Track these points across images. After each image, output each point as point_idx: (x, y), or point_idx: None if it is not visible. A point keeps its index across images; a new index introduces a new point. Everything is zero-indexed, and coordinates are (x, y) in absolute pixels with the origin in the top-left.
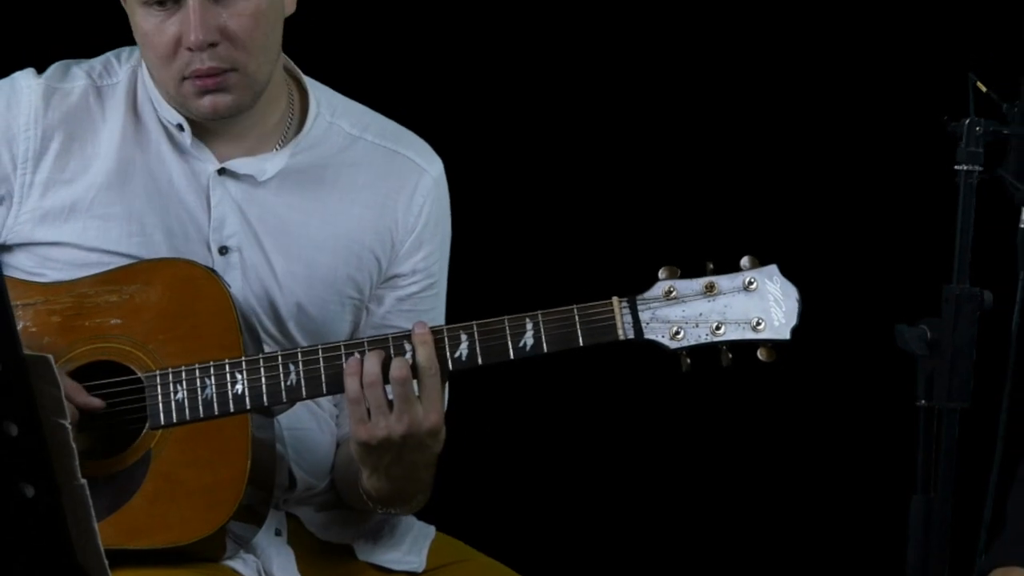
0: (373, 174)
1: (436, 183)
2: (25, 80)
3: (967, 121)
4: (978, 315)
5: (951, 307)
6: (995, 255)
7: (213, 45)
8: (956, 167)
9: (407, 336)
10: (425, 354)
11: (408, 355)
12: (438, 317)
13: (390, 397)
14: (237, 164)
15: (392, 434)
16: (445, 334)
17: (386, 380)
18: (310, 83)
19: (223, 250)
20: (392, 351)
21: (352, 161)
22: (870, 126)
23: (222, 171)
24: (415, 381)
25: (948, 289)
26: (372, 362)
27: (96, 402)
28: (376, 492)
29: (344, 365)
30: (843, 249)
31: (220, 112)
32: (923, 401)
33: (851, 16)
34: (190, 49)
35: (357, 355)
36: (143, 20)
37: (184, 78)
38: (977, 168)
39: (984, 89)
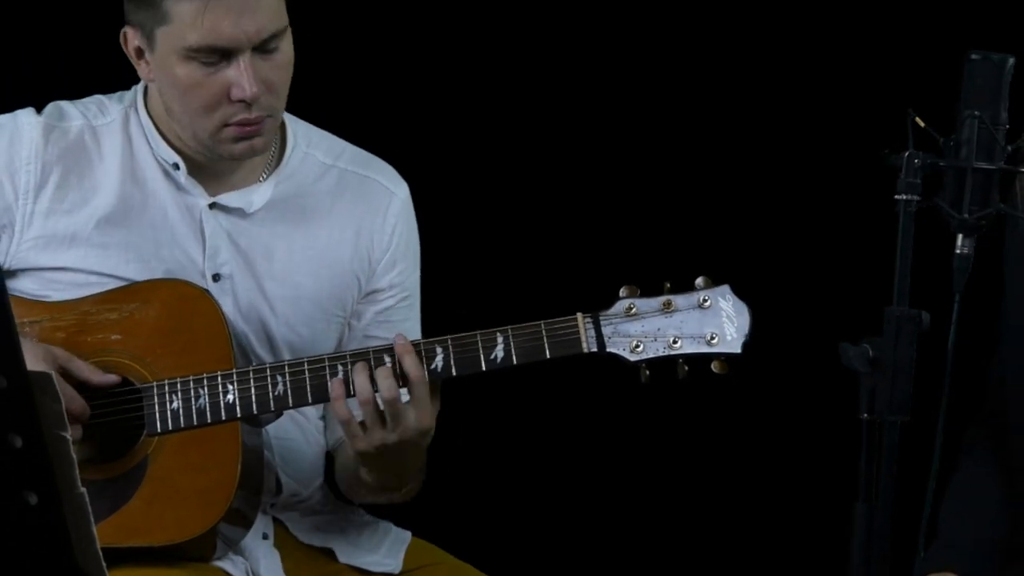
0: (348, 199)
1: (404, 204)
2: (26, 118)
3: (906, 154)
4: (917, 335)
5: (892, 327)
6: (932, 279)
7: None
8: (896, 197)
9: (387, 349)
10: (411, 362)
11: (388, 365)
12: (414, 327)
13: (380, 407)
14: (227, 198)
15: (387, 441)
16: (422, 347)
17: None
18: (287, 117)
19: (216, 277)
20: (372, 363)
21: (328, 188)
22: (818, 159)
23: (213, 205)
24: (404, 390)
25: (889, 311)
26: (361, 379)
27: (111, 378)
28: (376, 483)
29: (330, 390)
30: (792, 272)
31: (256, 153)
32: (865, 415)
33: (800, 55)
34: (243, 101)
35: (340, 377)
36: (187, 73)
37: (226, 125)
38: (915, 197)
39: (922, 124)
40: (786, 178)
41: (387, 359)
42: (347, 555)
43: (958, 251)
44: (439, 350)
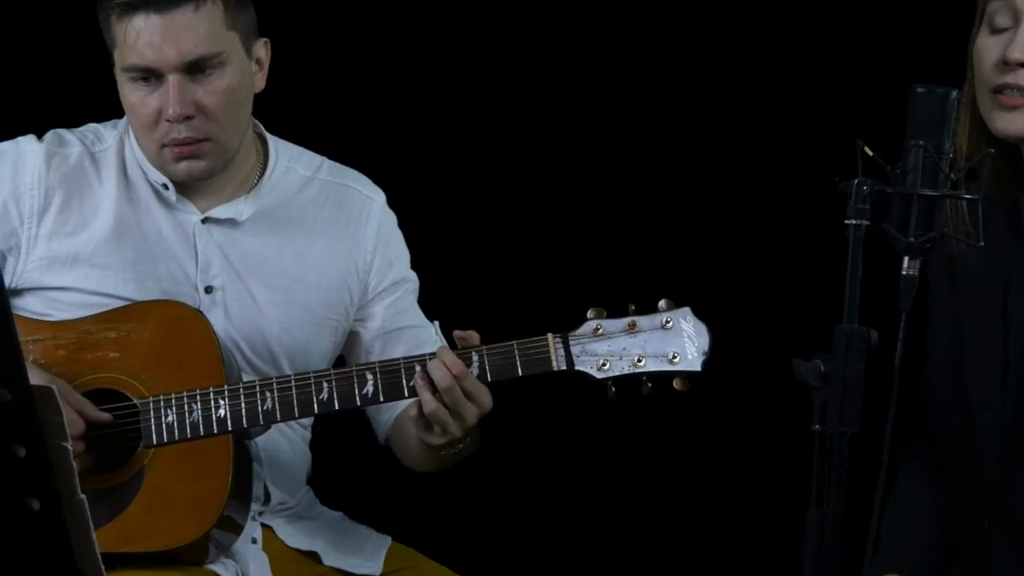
0: (330, 206)
1: (383, 208)
2: (28, 144)
3: (856, 181)
4: (865, 351)
5: (842, 344)
6: (880, 298)
7: (189, 118)
8: (846, 221)
9: (369, 366)
10: (441, 374)
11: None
12: (418, 311)
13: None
14: (218, 211)
15: (460, 432)
16: (401, 364)
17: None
18: (270, 137)
19: (208, 289)
20: (356, 380)
21: (310, 198)
22: (773, 187)
23: (206, 219)
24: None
25: (839, 328)
26: (439, 370)
27: (105, 416)
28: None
29: (416, 384)
30: (748, 292)
31: (194, 176)
32: (817, 426)
33: (756, 90)
34: (169, 120)
35: (419, 369)
36: (131, 93)
37: (164, 145)
38: (864, 222)
39: (871, 153)
40: (744, 204)
41: (368, 376)
42: (331, 558)
43: (904, 272)
44: (418, 368)
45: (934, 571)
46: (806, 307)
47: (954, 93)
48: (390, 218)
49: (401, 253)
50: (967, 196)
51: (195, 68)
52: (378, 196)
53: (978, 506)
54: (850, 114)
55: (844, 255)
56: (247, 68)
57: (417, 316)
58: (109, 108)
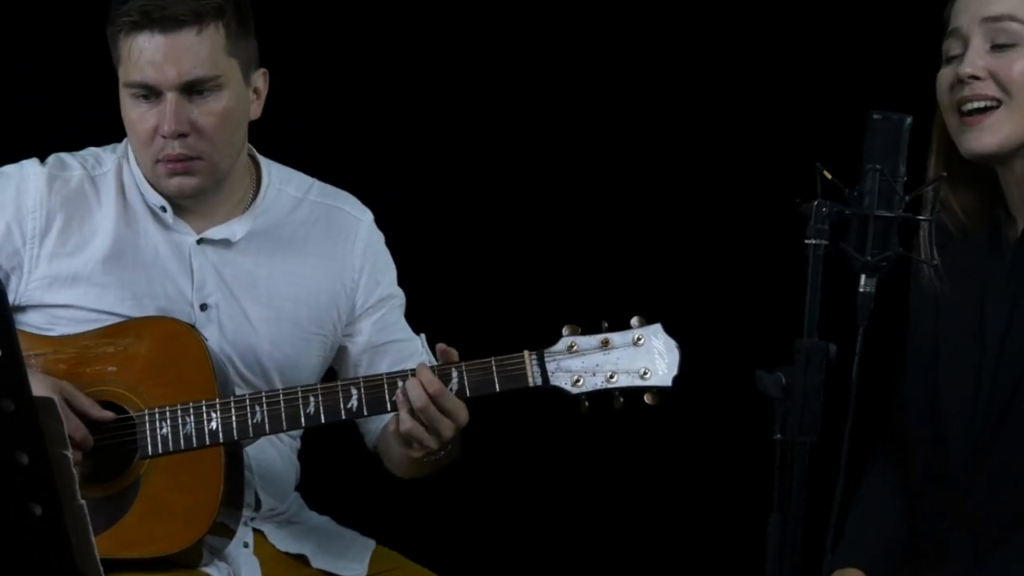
0: (319, 227)
1: (370, 228)
2: (32, 168)
3: (815, 203)
4: (824, 364)
5: (802, 357)
6: (838, 314)
7: (183, 136)
8: (806, 241)
9: (354, 381)
10: (416, 394)
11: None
12: (405, 326)
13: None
14: (212, 232)
15: (436, 445)
16: (384, 379)
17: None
18: (262, 159)
19: (203, 307)
20: (341, 395)
21: (301, 219)
22: (737, 209)
23: (201, 240)
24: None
25: (799, 343)
26: (415, 390)
27: (108, 414)
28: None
29: (397, 401)
30: (714, 308)
31: (185, 193)
32: (779, 435)
33: (719, 117)
34: (164, 136)
35: (400, 385)
36: (131, 109)
37: (158, 160)
38: (823, 242)
39: (829, 176)
40: (710, 225)
41: (353, 392)
42: (319, 560)
43: (861, 289)
44: (400, 383)
45: (893, 568)
46: (769, 322)
47: (908, 120)
48: (377, 237)
49: (387, 271)
50: (921, 217)
51: (193, 89)
52: (365, 216)
53: (940, 505)
54: (810, 139)
55: (804, 273)
56: (244, 94)
57: (403, 331)
58: (109, 108)
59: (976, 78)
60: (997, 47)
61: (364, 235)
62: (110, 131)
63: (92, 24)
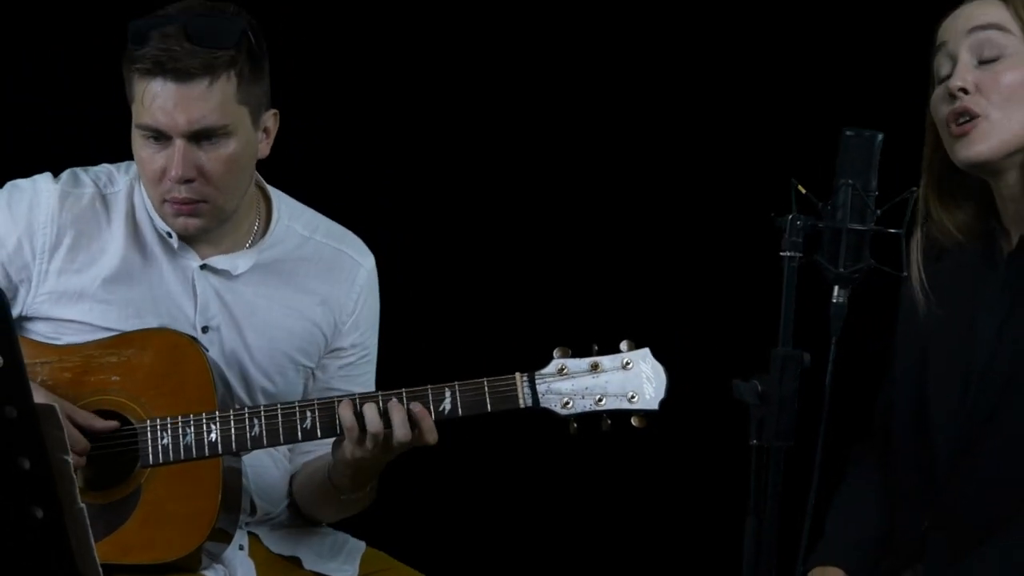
0: (322, 267)
1: (370, 275)
2: (44, 184)
3: (790, 217)
4: (799, 372)
5: (777, 365)
6: (813, 324)
7: (190, 181)
8: (781, 253)
9: (347, 396)
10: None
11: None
12: (370, 380)
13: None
14: (216, 261)
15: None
16: (380, 398)
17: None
18: (273, 192)
19: (205, 329)
20: (357, 404)
21: (305, 257)
22: (716, 222)
23: (204, 266)
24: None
25: (775, 351)
26: (371, 415)
27: (111, 424)
28: (349, 483)
29: (345, 418)
30: (694, 319)
31: (190, 231)
32: (755, 441)
33: (697, 135)
34: (171, 180)
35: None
36: (141, 147)
37: (165, 200)
38: (798, 254)
39: (804, 191)
40: (690, 239)
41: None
42: (311, 562)
43: (834, 300)
44: (395, 399)
45: (873, 566)
46: (745, 332)
47: (880, 136)
48: (374, 284)
49: (373, 322)
50: (892, 230)
51: (202, 136)
52: (367, 261)
53: (921, 504)
54: (785, 155)
55: (779, 285)
56: (252, 139)
57: (364, 386)
58: (109, 108)
59: (965, 91)
60: (984, 62)
61: (362, 280)
62: (110, 131)
63: (92, 24)
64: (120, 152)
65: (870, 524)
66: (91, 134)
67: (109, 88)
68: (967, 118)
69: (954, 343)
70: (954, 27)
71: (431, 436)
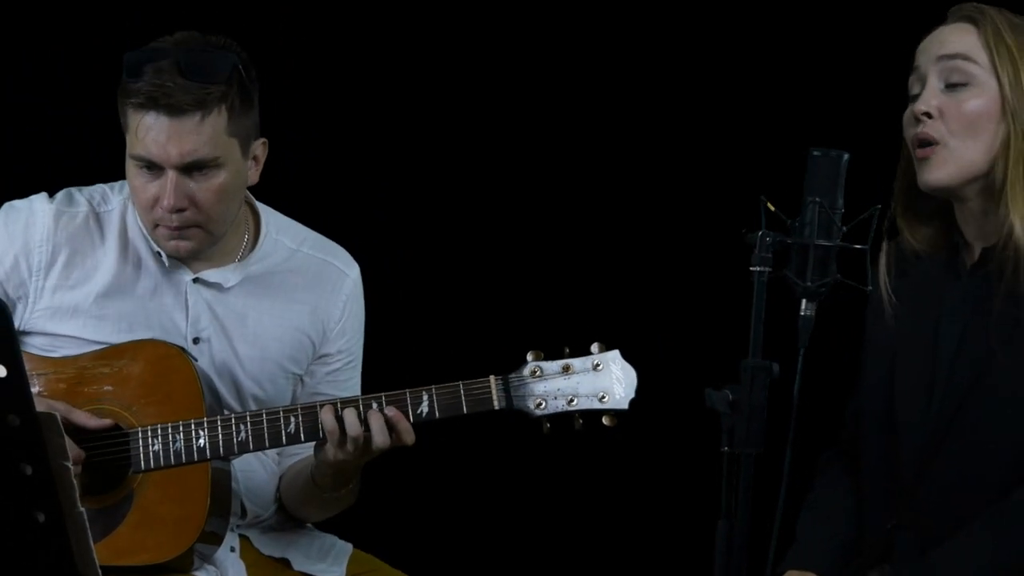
0: (309, 278)
1: (355, 284)
2: (40, 204)
3: (760, 233)
4: (768, 381)
5: (747, 375)
6: (782, 335)
7: (181, 210)
8: (751, 268)
9: (333, 404)
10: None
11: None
12: (356, 385)
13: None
14: (207, 274)
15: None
16: (360, 401)
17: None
18: (261, 208)
19: (196, 340)
20: (339, 408)
21: (293, 268)
22: (688, 238)
23: (196, 280)
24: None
25: (745, 362)
26: (351, 420)
27: (106, 422)
28: (331, 482)
29: (327, 422)
30: (669, 330)
31: (181, 253)
32: (726, 448)
33: (670, 155)
34: (163, 209)
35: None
36: (134, 176)
37: (157, 225)
38: (767, 269)
39: (773, 209)
40: (665, 254)
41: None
42: (300, 563)
43: (802, 313)
44: (374, 404)
45: (843, 567)
46: (717, 343)
47: (846, 156)
48: (359, 293)
49: (358, 329)
50: (857, 246)
51: (193, 167)
52: (352, 272)
53: (889, 507)
54: (755, 174)
55: (750, 298)
56: (242, 168)
57: (350, 390)
58: (109, 108)
59: (928, 115)
60: (950, 86)
61: (348, 289)
62: (110, 131)
63: (92, 24)
64: (119, 153)
65: (840, 528)
66: (91, 134)
67: (109, 88)
68: (928, 143)
69: (919, 351)
70: (927, 51)
71: (408, 437)
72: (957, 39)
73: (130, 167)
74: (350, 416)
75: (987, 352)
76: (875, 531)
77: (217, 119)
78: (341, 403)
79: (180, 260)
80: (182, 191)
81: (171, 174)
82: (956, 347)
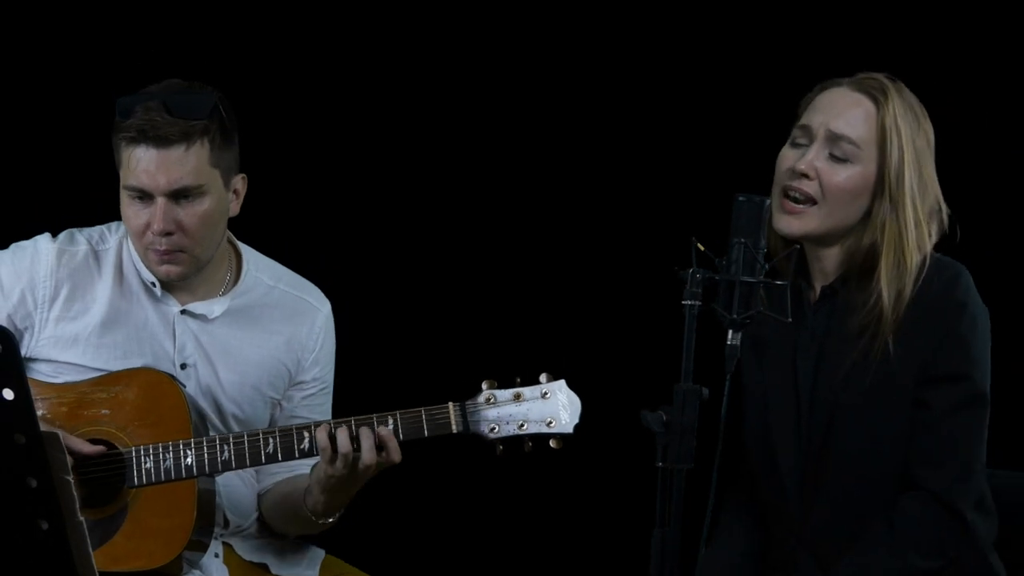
0: (286, 313)
1: (327, 318)
2: (44, 243)
3: (691, 270)
4: (698, 404)
5: (679, 398)
6: (710, 362)
7: (170, 233)
8: (683, 302)
9: (306, 426)
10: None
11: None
12: (327, 409)
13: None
14: (193, 306)
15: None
16: (331, 425)
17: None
18: (243, 247)
19: (183, 366)
20: (295, 435)
21: (271, 303)
22: (625, 277)
23: (183, 311)
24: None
25: (677, 386)
26: (343, 438)
27: (99, 448)
28: (322, 508)
29: (320, 440)
30: (608, 358)
31: (171, 277)
32: (660, 463)
33: (617, 193)
34: (154, 233)
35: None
36: (127, 206)
37: (148, 249)
38: (698, 303)
39: (702, 248)
40: (605, 291)
41: (306, 434)
42: (277, 567)
43: (729, 342)
44: (343, 427)
45: None
46: (652, 369)
47: (768, 201)
48: (331, 327)
49: (331, 359)
50: (778, 282)
51: (180, 194)
52: (324, 307)
53: (786, 527)
54: (686, 217)
55: (682, 329)
56: (224, 198)
57: (325, 413)
58: (109, 108)
59: (806, 176)
60: (833, 157)
61: (321, 323)
62: (109, 131)
63: (92, 24)
64: (112, 197)
65: (740, 559)
66: (91, 134)
67: (109, 88)
68: (801, 199)
69: (784, 386)
70: (823, 112)
71: (396, 456)
72: (853, 118)
73: (124, 199)
74: (342, 435)
75: (841, 383)
76: (778, 547)
77: (200, 150)
78: (334, 424)
79: (169, 291)
80: (170, 216)
81: (160, 201)
82: (811, 382)
